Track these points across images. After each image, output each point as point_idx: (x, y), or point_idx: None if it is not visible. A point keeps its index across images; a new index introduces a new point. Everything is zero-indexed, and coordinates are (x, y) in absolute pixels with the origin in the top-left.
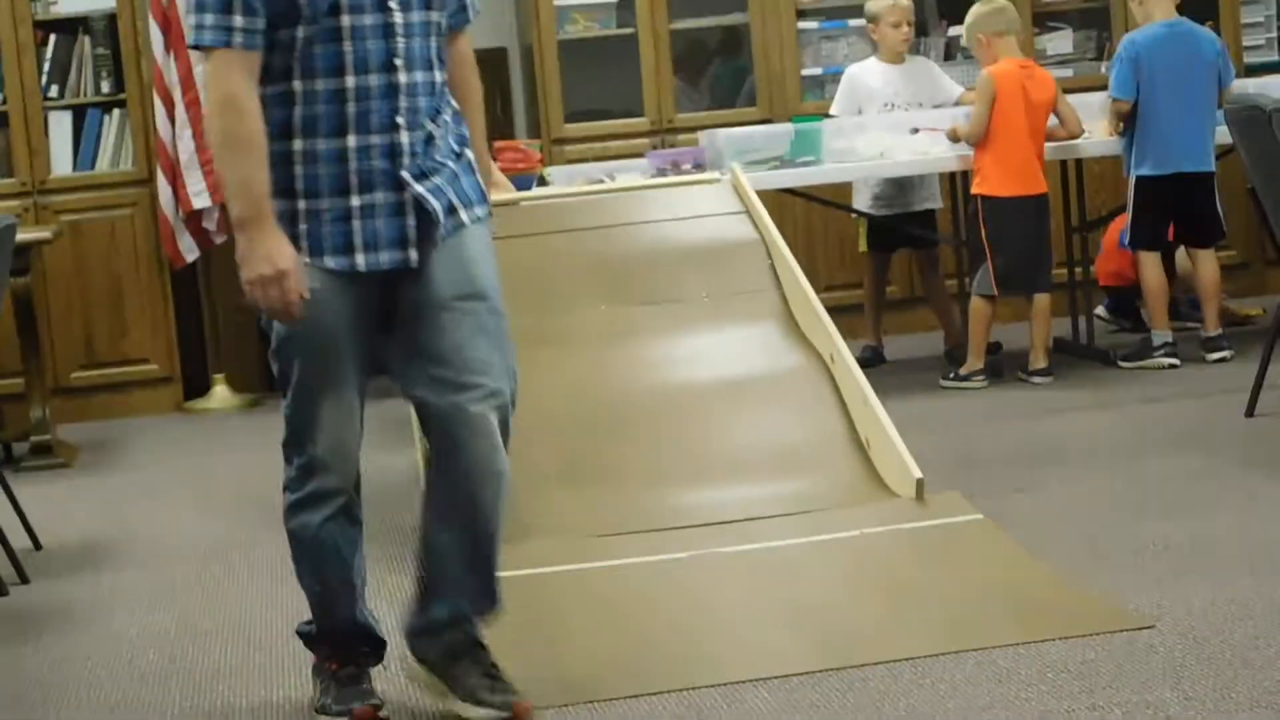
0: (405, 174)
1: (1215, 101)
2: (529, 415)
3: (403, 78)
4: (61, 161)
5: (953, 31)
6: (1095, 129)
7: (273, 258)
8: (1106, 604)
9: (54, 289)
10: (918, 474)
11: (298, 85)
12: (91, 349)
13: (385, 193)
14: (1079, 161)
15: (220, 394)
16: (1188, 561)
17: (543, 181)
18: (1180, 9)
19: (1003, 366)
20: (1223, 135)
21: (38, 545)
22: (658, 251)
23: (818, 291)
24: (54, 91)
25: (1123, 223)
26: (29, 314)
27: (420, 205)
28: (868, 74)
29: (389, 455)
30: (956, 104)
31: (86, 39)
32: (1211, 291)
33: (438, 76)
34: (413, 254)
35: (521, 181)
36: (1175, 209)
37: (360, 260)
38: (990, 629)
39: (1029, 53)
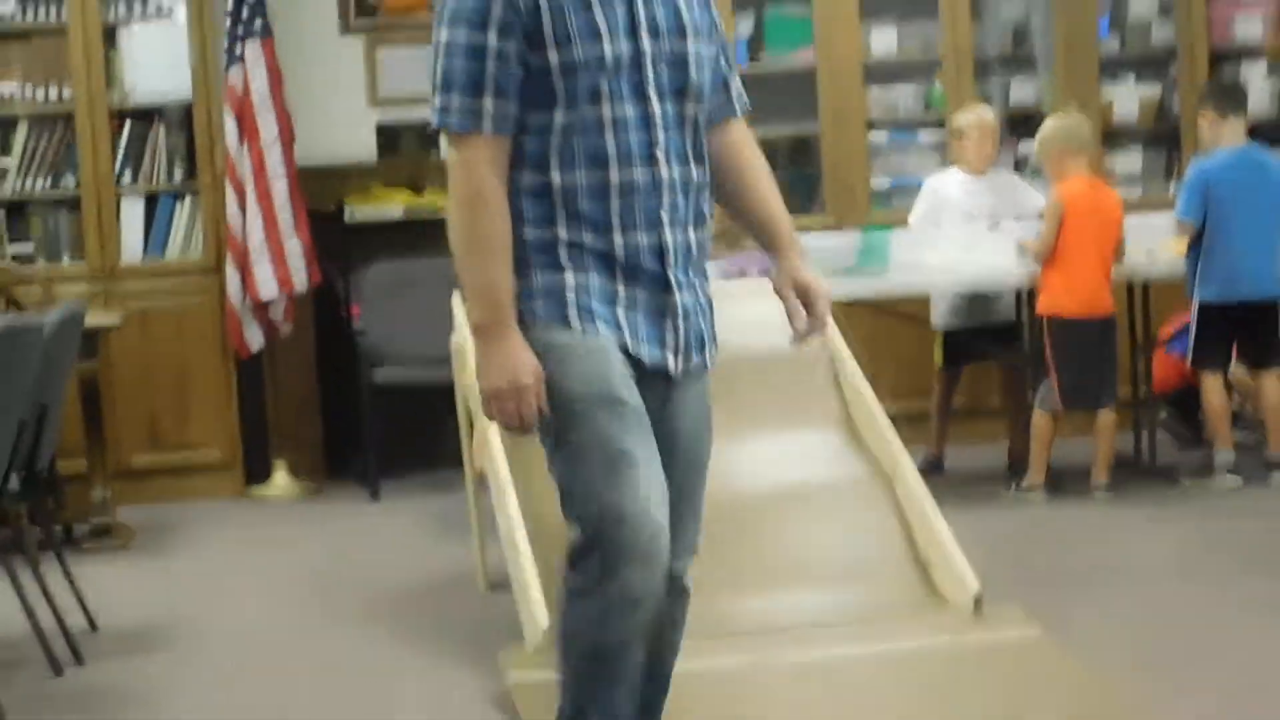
0: (673, 275)
1: None
2: None
3: (664, 172)
4: (132, 248)
5: (1021, 149)
6: (1163, 249)
7: (513, 370)
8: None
9: (120, 373)
10: (975, 586)
11: (556, 177)
12: (155, 433)
13: (649, 292)
14: (1145, 281)
15: (281, 481)
16: (1245, 687)
17: None
18: (1251, 134)
19: (1064, 481)
20: None
21: (94, 626)
22: (722, 356)
23: (881, 399)
24: (127, 178)
25: (1169, 330)
26: (94, 397)
27: (680, 317)
28: (948, 184)
29: (446, 546)
30: (1040, 216)
31: (162, 127)
32: (1276, 413)
33: (694, 174)
34: (672, 360)
35: None
36: (1238, 333)
37: (629, 341)
38: None
39: (1099, 170)
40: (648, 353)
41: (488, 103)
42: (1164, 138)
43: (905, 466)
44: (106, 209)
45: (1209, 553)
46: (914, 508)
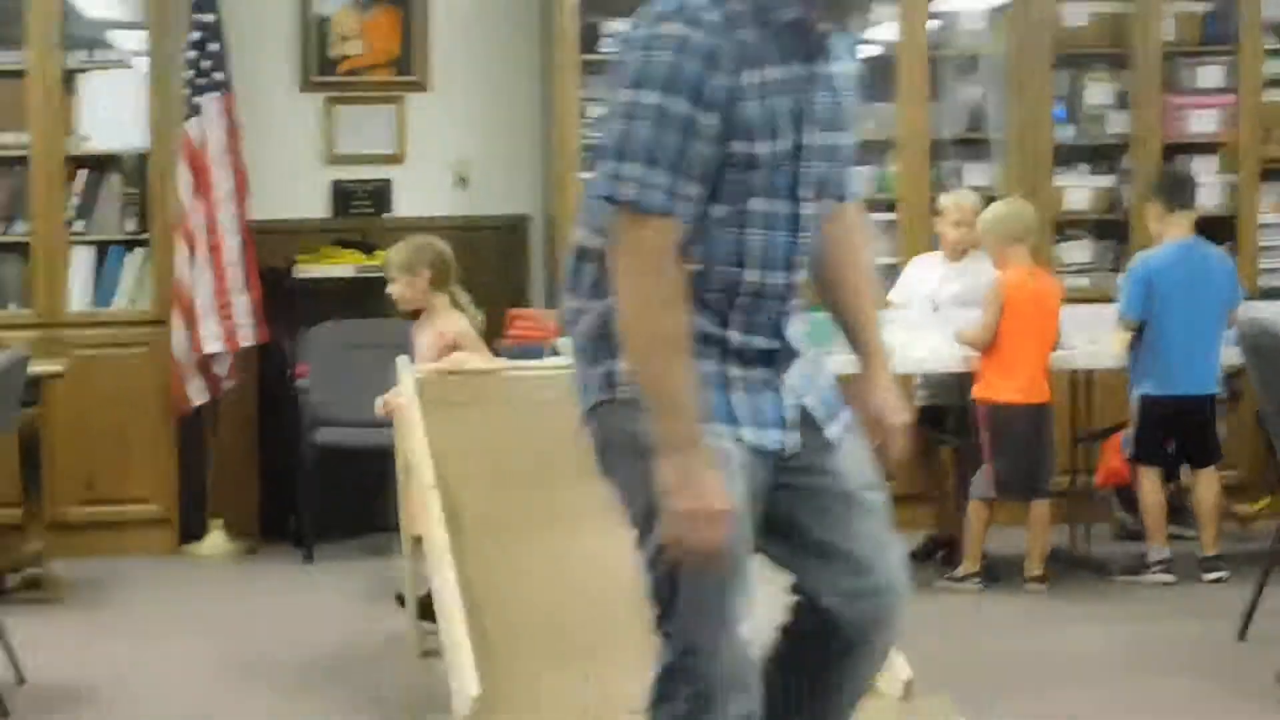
0: (785, 362)
1: (1224, 323)
2: (522, 588)
3: (796, 276)
4: (80, 296)
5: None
6: (1107, 341)
7: (707, 495)
8: None
9: (60, 423)
10: (906, 674)
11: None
12: (91, 485)
13: (763, 374)
14: (1089, 371)
15: (216, 539)
16: None
17: (555, 352)
18: (1198, 227)
19: (997, 570)
20: (1232, 354)
21: (21, 679)
22: None
23: None
24: (79, 226)
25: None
26: (33, 446)
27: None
28: (924, 267)
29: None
30: None
31: (116, 176)
32: (1210, 513)
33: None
34: (794, 436)
35: (534, 351)
36: (1177, 428)
37: (746, 432)
38: None
39: (1046, 259)
40: (772, 438)
41: (680, 181)
42: (1114, 228)
43: None
44: (56, 256)
45: (1140, 649)
46: None
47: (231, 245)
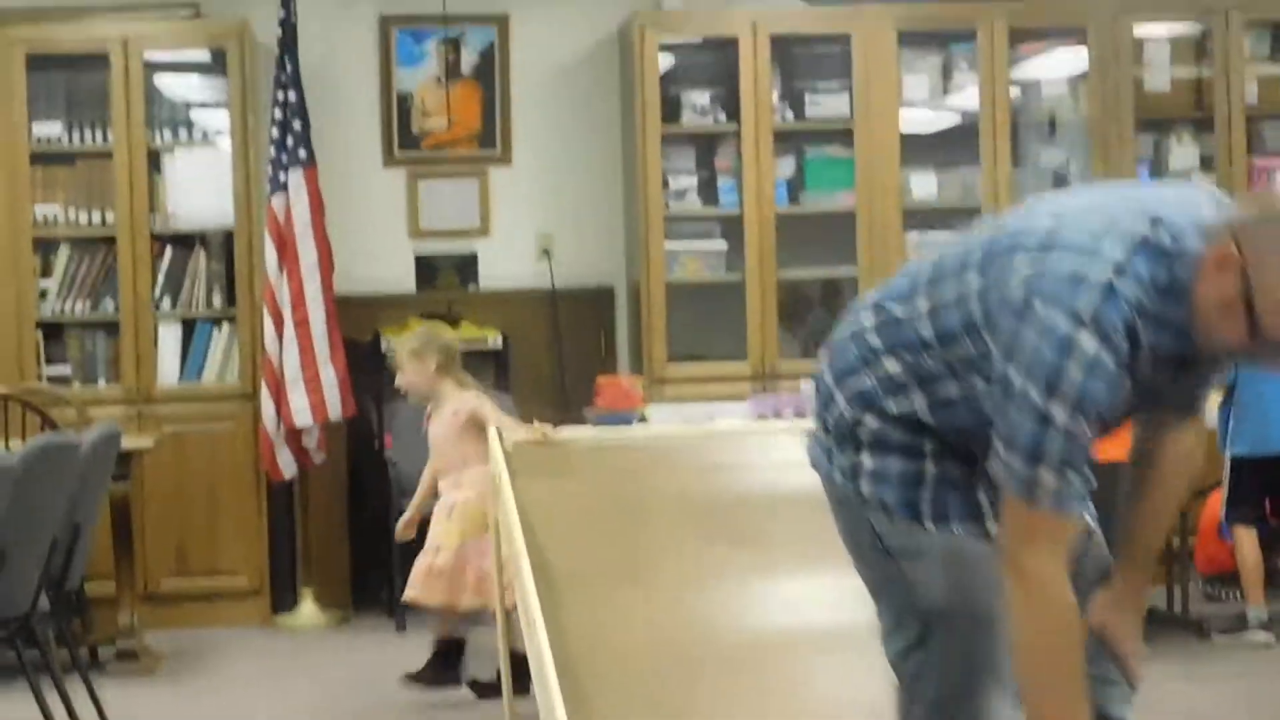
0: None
1: None
2: (613, 649)
3: None
4: (168, 372)
5: None
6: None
7: None
8: None
9: (151, 496)
10: None
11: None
12: (184, 557)
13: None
14: None
15: (308, 610)
16: None
17: (643, 419)
18: None
19: None
20: None
21: None
22: (754, 495)
23: None
24: (166, 303)
25: (1217, 507)
26: (125, 519)
27: None
28: None
29: None
30: None
31: (202, 253)
32: None
33: None
34: None
35: (622, 418)
36: (1272, 487)
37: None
38: None
39: None
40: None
41: (1082, 480)
42: None
43: None
44: (144, 333)
45: (1240, 708)
46: None
47: (318, 319)
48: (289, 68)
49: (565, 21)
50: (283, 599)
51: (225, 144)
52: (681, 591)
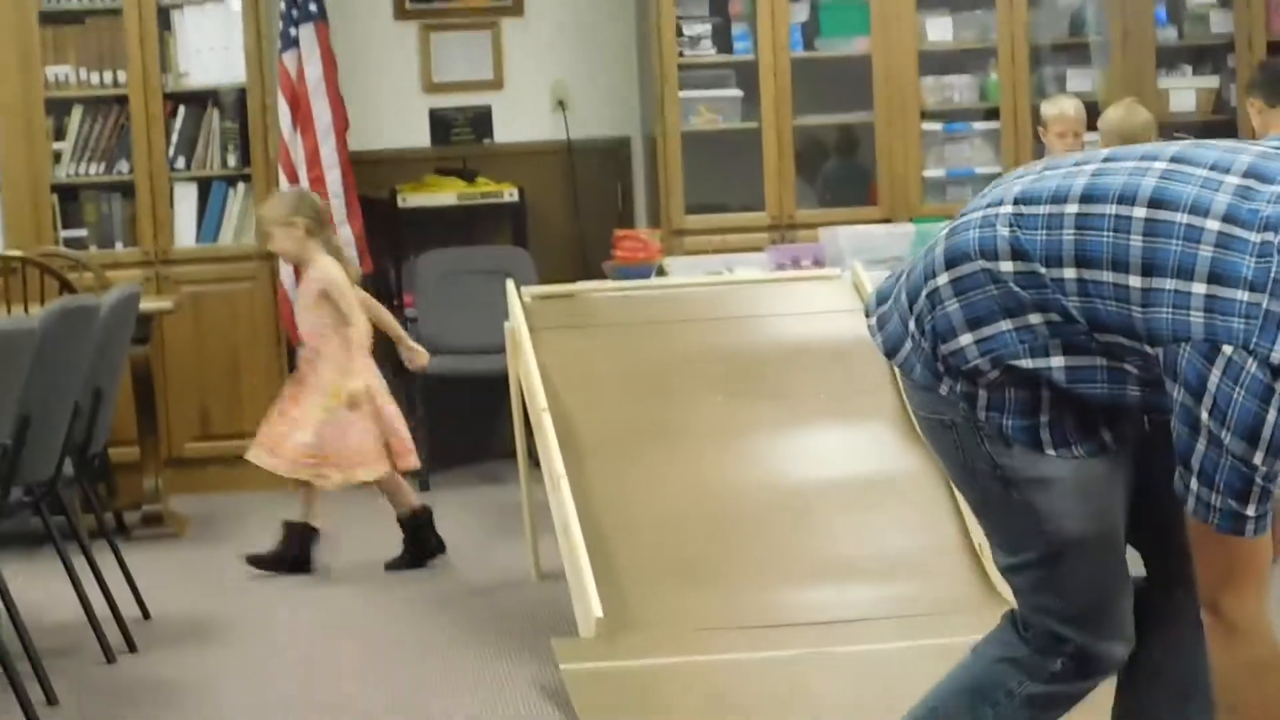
0: None
1: None
2: (638, 508)
3: None
4: (185, 233)
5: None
6: None
7: None
8: None
9: (172, 359)
10: None
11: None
12: (207, 421)
13: None
14: None
15: None
16: None
17: (661, 272)
18: None
19: None
20: None
21: (146, 615)
22: (775, 346)
23: None
24: (180, 163)
25: None
26: (146, 383)
27: None
28: None
29: (498, 537)
30: None
31: (215, 112)
32: None
33: None
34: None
35: (640, 271)
36: None
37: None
38: None
39: None
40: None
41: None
42: (1221, 129)
43: None
44: (160, 194)
45: None
46: None
47: (333, 177)
48: None
49: None
50: None
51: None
52: (711, 444)
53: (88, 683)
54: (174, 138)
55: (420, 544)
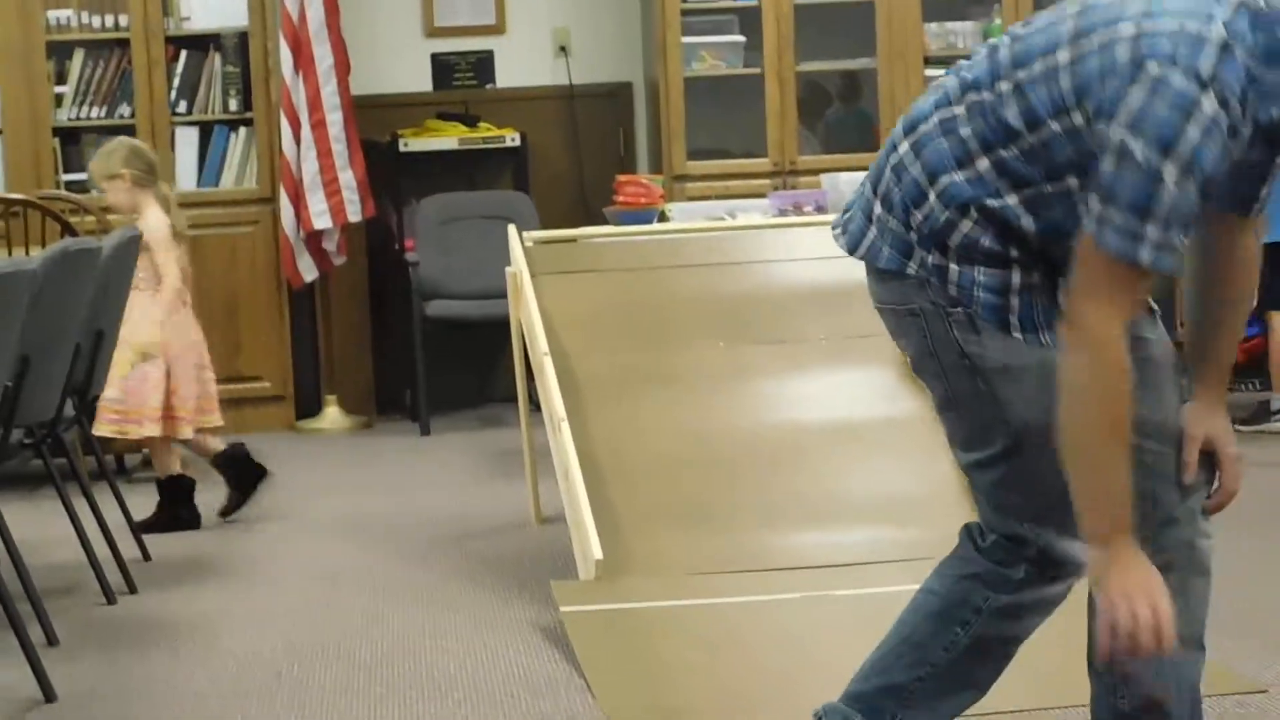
0: None
1: None
2: (639, 451)
3: None
4: (186, 177)
5: None
6: None
7: (1146, 584)
8: (1215, 666)
9: None
10: None
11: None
12: None
13: None
14: None
15: (332, 415)
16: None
17: (663, 217)
18: None
19: None
20: None
21: (146, 556)
22: (776, 292)
23: None
24: (182, 107)
25: None
26: None
27: None
28: None
29: (498, 481)
30: None
31: (217, 56)
32: None
33: None
34: None
35: (642, 216)
36: None
37: None
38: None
39: None
40: None
41: (1176, 240)
42: None
43: None
44: (161, 138)
45: (1261, 499)
46: None
47: (335, 121)
48: None
49: None
50: (307, 404)
51: None
52: (711, 388)
53: (88, 623)
54: (175, 81)
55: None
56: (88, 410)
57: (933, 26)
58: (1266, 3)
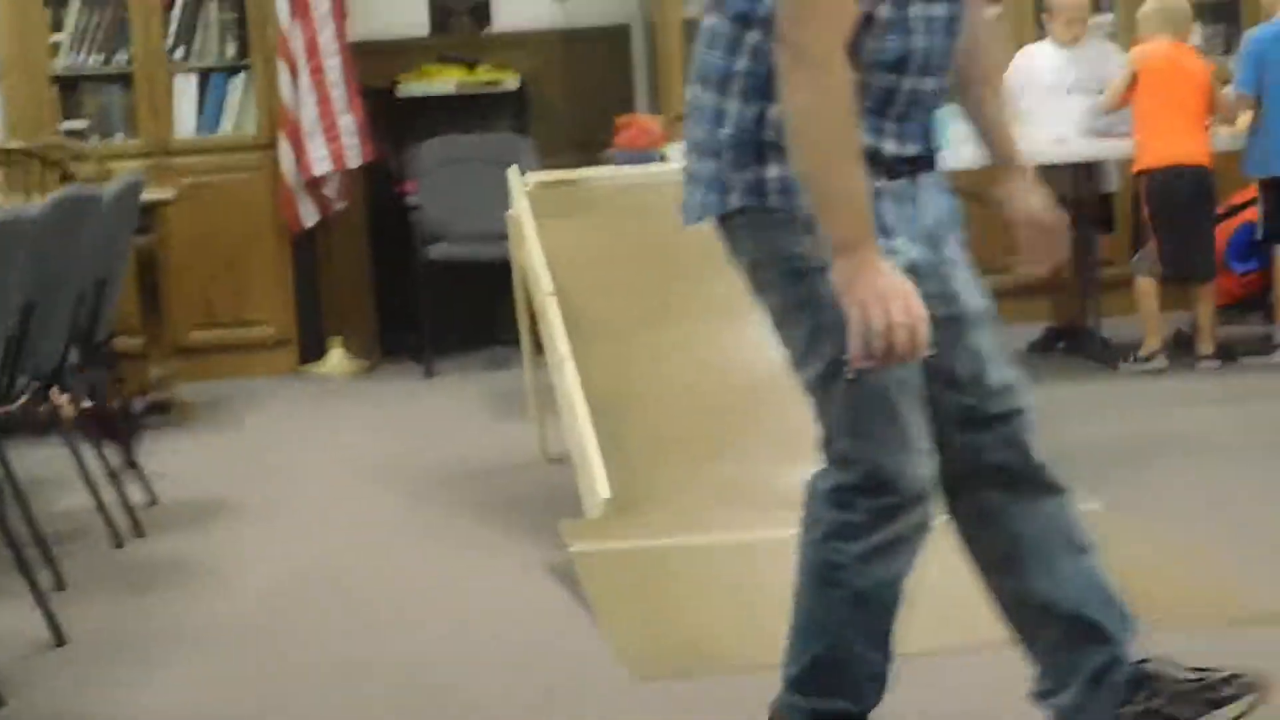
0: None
1: None
2: (643, 389)
3: (946, 80)
4: (185, 124)
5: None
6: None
7: (897, 289)
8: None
9: (175, 249)
10: None
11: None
12: (210, 310)
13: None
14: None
15: (336, 358)
16: None
17: (663, 158)
18: None
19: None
20: None
21: (154, 500)
22: None
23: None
24: (180, 54)
25: (1226, 236)
26: (150, 273)
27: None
28: (1038, 56)
29: (503, 422)
30: None
31: (214, 2)
32: None
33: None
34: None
35: (643, 157)
36: None
37: (902, 246)
38: None
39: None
40: (917, 251)
41: None
42: (1223, 12)
43: None
44: (159, 85)
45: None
46: None
47: (333, 66)
48: None
49: None
50: (311, 349)
51: None
52: (723, 324)
53: (96, 567)
54: (172, 28)
55: None
56: (92, 356)
57: None
58: None
